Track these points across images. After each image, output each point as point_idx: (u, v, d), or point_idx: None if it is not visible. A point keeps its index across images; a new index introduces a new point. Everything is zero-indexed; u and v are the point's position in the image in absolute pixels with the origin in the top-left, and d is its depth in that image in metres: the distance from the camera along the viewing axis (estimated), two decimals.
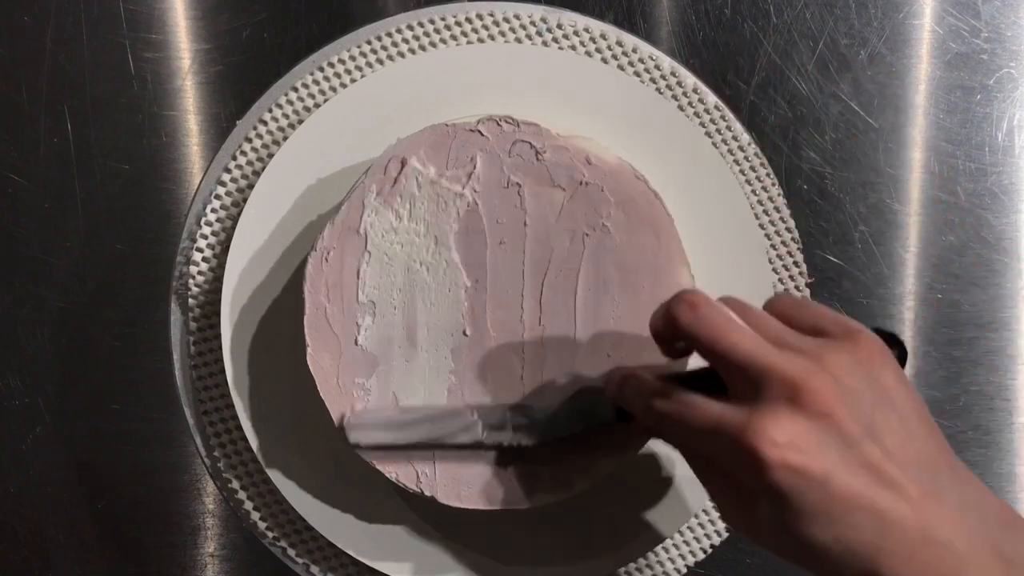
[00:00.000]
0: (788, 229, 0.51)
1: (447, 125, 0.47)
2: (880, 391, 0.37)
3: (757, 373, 0.37)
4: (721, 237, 0.50)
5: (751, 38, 0.56)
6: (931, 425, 0.38)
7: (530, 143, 0.46)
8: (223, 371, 0.50)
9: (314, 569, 0.52)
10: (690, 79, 0.51)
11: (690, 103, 0.51)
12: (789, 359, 0.37)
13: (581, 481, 0.47)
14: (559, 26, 0.51)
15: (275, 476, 0.50)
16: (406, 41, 0.51)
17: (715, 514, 0.52)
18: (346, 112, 0.50)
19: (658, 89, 0.51)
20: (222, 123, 0.56)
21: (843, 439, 0.36)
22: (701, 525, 0.52)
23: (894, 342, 0.40)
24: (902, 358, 0.40)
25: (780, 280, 0.51)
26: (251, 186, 0.50)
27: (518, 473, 0.47)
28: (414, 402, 0.47)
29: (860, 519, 0.35)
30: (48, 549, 0.57)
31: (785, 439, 0.35)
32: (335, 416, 0.47)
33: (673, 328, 0.39)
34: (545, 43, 0.51)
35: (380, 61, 0.51)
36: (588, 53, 0.51)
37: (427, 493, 0.47)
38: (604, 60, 0.51)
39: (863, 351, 0.37)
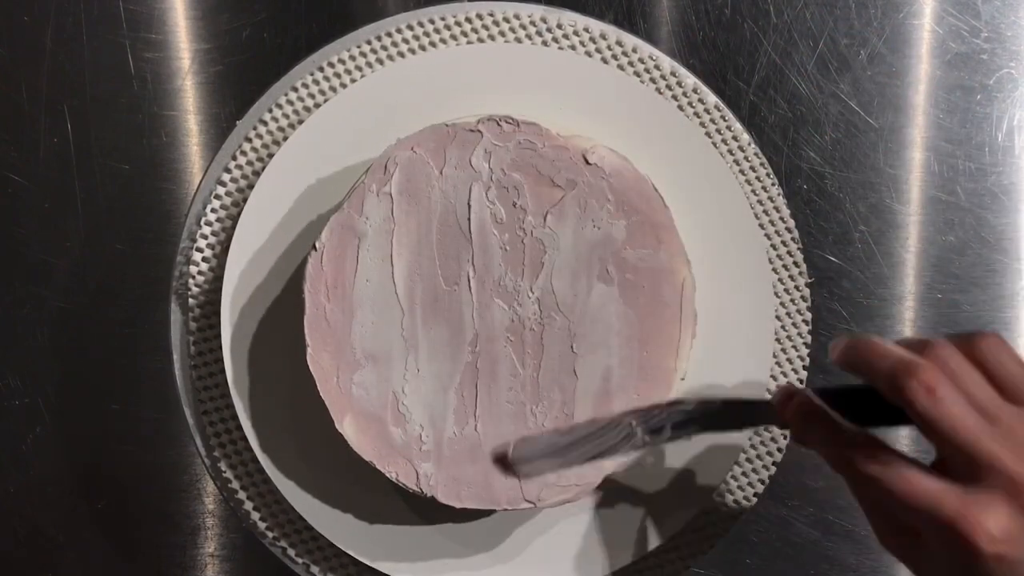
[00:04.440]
0: (788, 229, 0.51)
1: (447, 125, 0.47)
2: None
3: (982, 461, 0.37)
4: (721, 237, 0.50)
5: (751, 38, 0.56)
6: None
7: (530, 143, 0.46)
8: (223, 371, 0.50)
9: (314, 569, 0.52)
10: (690, 79, 0.51)
11: (690, 103, 0.51)
12: (1011, 454, 0.37)
13: (581, 483, 0.47)
14: (559, 26, 0.51)
15: (275, 476, 0.50)
16: (406, 41, 0.51)
17: (713, 516, 0.52)
18: (346, 112, 0.50)
19: (658, 89, 0.51)
20: (222, 123, 0.56)
21: None
22: (701, 526, 0.52)
23: None
24: None
25: (780, 280, 0.51)
26: (251, 186, 0.50)
27: None
28: (415, 401, 0.47)
29: None
30: (48, 549, 0.57)
31: (1002, 534, 0.36)
32: (335, 416, 0.47)
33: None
34: (545, 43, 0.51)
35: (380, 61, 0.51)
36: (588, 53, 0.51)
37: (427, 493, 0.47)
38: (604, 60, 0.51)
39: None
